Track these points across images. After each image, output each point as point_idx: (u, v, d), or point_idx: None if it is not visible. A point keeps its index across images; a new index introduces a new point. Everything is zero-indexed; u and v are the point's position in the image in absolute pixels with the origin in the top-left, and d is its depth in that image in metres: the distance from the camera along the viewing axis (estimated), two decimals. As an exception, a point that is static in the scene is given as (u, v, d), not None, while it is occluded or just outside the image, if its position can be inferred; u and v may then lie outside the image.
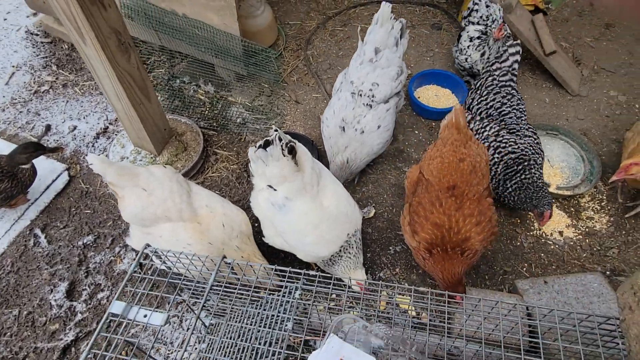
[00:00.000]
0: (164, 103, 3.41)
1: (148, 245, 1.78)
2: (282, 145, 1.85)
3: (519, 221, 2.74)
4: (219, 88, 3.49)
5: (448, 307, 1.51)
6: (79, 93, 3.53)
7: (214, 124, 3.27)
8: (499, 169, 2.46)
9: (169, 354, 2.32)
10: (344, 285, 1.63)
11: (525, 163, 2.41)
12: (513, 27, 3.28)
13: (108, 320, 1.51)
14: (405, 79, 2.58)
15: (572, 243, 2.64)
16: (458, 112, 2.20)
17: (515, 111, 2.58)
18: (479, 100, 2.67)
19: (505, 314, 1.61)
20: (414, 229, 2.13)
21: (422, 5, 4.17)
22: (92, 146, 3.20)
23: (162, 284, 2.41)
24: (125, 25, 2.25)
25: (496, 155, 2.47)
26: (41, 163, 2.96)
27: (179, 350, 2.32)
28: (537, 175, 2.40)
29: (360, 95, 2.48)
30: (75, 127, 3.32)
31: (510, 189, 2.44)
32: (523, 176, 2.39)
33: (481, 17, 3.18)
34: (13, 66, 3.72)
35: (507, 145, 2.45)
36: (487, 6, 3.14)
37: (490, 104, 2.61)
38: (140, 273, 1.65)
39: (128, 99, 2.44)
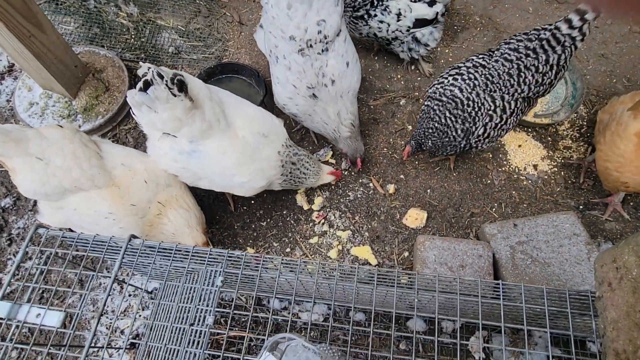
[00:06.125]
0: (79, 31, 2.82)
1: (40, 226, 1.47)
2: (167, 83, 1.48)
3: (490, 156, 2.48)
4: (144, 8, 2.88)
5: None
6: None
7: (142, 55, 2.74)
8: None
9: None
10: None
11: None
12: None
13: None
14: None
15: (546, 177, 2.43)
16: None
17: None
18: None
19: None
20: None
21: None
22: (-3, 89, 2.68)
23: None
24: None
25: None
26: None
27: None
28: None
29: (311, 46, 1.92)
30: (-27, 67, 2.75)
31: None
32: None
33: None
34: None
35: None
36: None
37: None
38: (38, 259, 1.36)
39: (10, 32, 1.92)
